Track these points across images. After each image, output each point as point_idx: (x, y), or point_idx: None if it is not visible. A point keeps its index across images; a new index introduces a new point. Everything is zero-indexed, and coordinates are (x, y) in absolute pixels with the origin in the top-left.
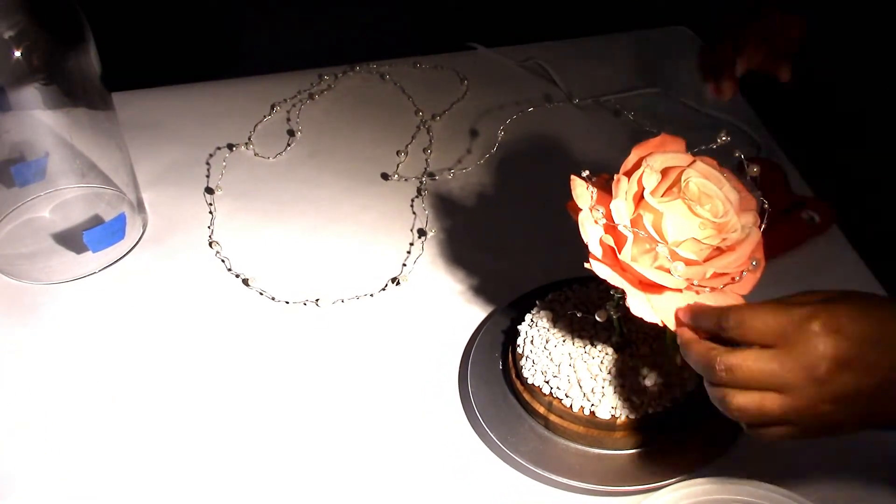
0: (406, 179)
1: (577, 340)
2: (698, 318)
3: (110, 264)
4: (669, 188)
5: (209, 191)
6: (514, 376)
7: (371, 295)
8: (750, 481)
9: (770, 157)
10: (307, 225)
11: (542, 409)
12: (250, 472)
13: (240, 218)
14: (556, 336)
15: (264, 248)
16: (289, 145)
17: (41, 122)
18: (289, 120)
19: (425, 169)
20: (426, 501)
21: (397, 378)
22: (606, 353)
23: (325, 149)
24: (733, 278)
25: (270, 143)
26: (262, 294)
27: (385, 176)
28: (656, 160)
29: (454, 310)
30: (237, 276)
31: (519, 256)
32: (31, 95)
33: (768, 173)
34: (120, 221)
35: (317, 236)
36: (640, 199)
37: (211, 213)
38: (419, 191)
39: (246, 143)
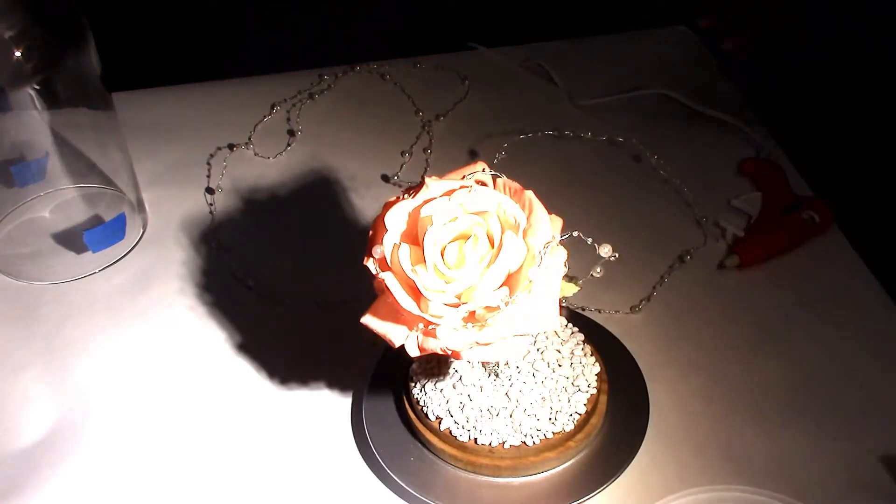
0: (400, 185)
1: (465, 378)
2: None
3: (110, 264)
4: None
5: (209, 191)
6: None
7: (373, 296)
8: (746, 488)
9: (770, 157)
10: (307, 225)
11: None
12: (249, 470)
13: (240, 218)
14: (444, 379)
15: (265, 249)
16: (289, 145)
17: (41, 122)
18: (289, 120)
19: (426, 169)
20: None
21: None
22: (493, 385)
23: (325, 149)
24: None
25: (271, 142)
26: (262, 295)
27: (385, 178)
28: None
29: None
30: (237, 276)
31: None
32: (31, 95)
33: (768, 173)
34: (120, 221)
35: (318, 237)
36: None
37: (211, 213)
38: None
39: (246, 143)
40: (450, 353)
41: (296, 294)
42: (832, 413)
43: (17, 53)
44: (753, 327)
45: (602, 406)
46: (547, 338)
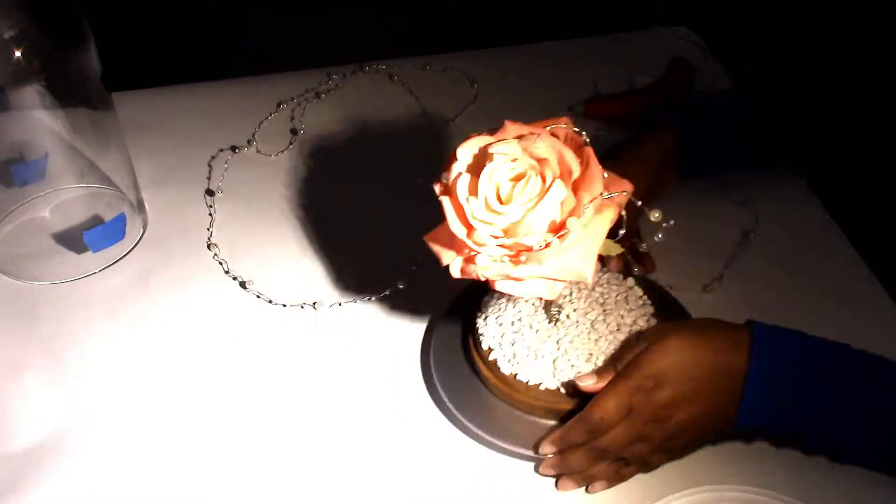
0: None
1: (525, 318)
2: (567, 438)
3: (110, 264)
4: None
5: (209, 192)
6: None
7: (370, 299)
8: (746, 488)
9: None
10: (306, 227)
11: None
12: (247, 472)
13: (239, 219)
14: (506, 315)
15: (263, 250)
16: (291, 144)
17: (41, 122)
18: (292, 119)
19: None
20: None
21: (397, 381)
22: (547, 330)
23: (327, 148)
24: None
25: (274, 141)
26: (259, 297)
27: (391, 177)
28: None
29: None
30: (235, 278)
31: None
32: (31, 95)
33: None
34: (120, 221)
35: (316, 239)
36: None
37: (210, 214)
38: (421, 194)
39: (249, 141)
40: (484, 279)
41: (293, 297)
42: None
43: (18, 53)
44: None
45: None
46: (616, 303)
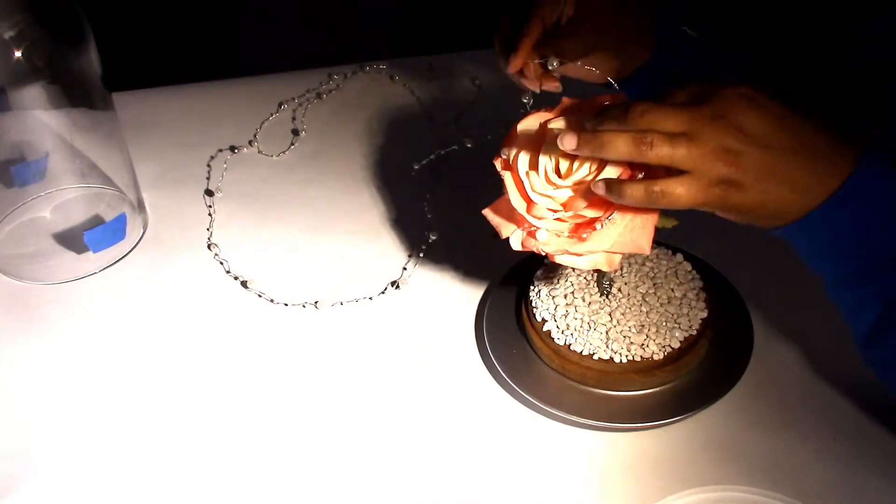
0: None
1: (577, 291)
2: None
3: (110, 264)
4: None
5: (209, 192)
6: (529, 327)
7: (370, 298)
8: (746, 488)
9: None
10: (306, 227)
11: (554, 356)
12: (247, 473)
13: (239, 219)
14: (559, 288)
15: (263, 250)
16: (292, 144)
17: (41, 122)
18: (294, 119)
19: (428, 171)
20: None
21: (393, 382)
22: (599, 303)
23: (328, 149)
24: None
25: (275, 141)
26: (260, 296)
27: (391, 177)
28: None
29: (452, 314)
30: (236, 277)
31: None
32: (31, 95)
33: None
34: (120, 222)
35: (316, 238)
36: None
37: (210, 214)
38: (422, 194)
39: (250, 142)
40: (544, 254)
41: (294, 296)
42: (833, 413)
43: (18, 53)
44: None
45: (701, 350)
46: (665, 277)
